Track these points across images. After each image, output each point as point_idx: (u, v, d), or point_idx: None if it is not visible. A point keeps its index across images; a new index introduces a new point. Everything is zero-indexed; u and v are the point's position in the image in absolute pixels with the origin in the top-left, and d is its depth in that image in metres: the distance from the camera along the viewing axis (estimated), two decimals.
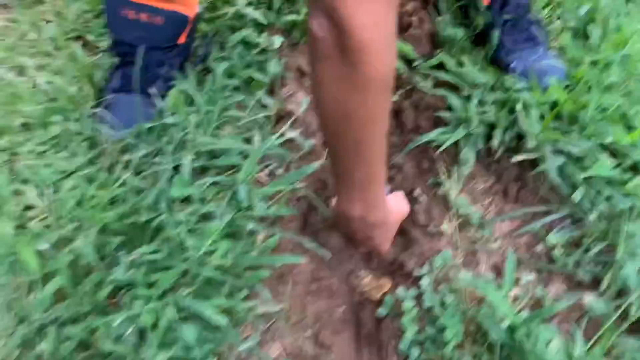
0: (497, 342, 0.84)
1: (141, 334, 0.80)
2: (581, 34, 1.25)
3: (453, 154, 1.09)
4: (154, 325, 0.80)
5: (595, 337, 0.84)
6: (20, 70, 1.16)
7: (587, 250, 0.98)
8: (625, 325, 0.88)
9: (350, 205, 0.81)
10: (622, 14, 1.29)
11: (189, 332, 0.79)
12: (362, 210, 0.81)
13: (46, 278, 0.84)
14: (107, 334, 0.77)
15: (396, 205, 0.92)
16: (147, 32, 1.07)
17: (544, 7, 1.32)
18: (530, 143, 1.02)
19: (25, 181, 0.97)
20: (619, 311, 0.89)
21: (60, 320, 0.80)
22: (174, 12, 1.06)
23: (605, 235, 0.97)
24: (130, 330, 0.78)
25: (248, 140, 1.08)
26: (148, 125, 1.04)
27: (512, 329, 0.84)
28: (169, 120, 1.04)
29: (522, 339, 0.82)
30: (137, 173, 0.99)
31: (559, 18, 1.30)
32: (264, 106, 1.14)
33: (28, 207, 0.95)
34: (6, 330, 0.79)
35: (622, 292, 0.92)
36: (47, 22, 1.25)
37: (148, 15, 1.04)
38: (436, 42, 1.22)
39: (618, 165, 1.01)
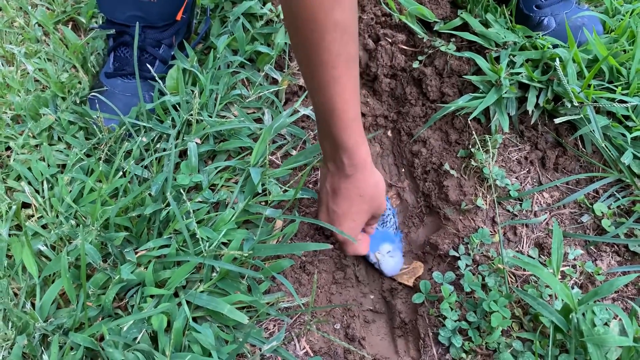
0: (550, 325, 0.75)
1: (153, 338, 0.72)
2: None
3: (484, 122, 0.99)
4: (167, 328, 0.72)
5: None
6: (9, 59, 1.08)
7: (639, 218, 0.88)
8: None
9: (340, 143, 0.71)
10: None
11: (206, 334, 0.71)
12: (354, 141, 0.71)
13: (46, 282, 0.77)
14: (116, 340, 0.69)
15: None
16: (140, 11, 0.97)
17: None
18: (570, 104, 0.92)
19: (19, 177, 0.89)
20: None
21: (64, 328, 0.72)
22: None
23: None
24: (141, 334, 0.71)
25: (258, 120, 0.99)
26: (148, 108, 0.95)
27: (566, 311, 0.74)
28: (171, 102, 0.95)
29: (579, 321, 0.73)
30: (139, 162, 0.91)
31: None
32: (273, 81, 1.04)
33: (23, 206, 0.87)
34: (5, 341, 0.71)
35: None
36: (35, 6, 1.16)
37: None
38: (456, 1, 1.11)
39: None
